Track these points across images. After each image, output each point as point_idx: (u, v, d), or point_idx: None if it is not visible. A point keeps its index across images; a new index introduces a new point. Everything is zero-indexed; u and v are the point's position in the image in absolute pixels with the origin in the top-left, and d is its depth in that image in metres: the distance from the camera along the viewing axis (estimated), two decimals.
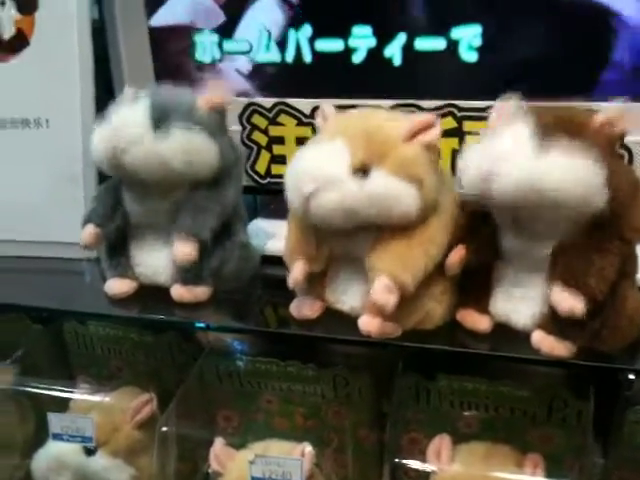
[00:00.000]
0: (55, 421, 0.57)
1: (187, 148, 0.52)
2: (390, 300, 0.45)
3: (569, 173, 0.40)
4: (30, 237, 0.68)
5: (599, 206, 0.41)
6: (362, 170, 0.45)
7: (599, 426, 0.52)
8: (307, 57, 0.64)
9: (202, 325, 0.56)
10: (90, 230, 0.56)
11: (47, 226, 0.67)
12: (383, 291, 0.45)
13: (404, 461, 0.52)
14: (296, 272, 0.49)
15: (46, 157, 0.67)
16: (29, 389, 0.62)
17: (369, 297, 0.46)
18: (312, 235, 0.50)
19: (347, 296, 0.51)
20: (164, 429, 0.56)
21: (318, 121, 0.52)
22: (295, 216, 0.52)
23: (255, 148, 0.68)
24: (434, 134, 0.47)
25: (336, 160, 0.45)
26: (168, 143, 0.52)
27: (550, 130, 0.42)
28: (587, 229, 0.43)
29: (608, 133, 0.43)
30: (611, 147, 0.44)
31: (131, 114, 0.53)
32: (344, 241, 0.49)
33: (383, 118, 0.49)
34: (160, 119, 0.52)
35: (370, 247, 0.48)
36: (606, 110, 0.44)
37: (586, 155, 0.41)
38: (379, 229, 0.47)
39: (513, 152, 0.42)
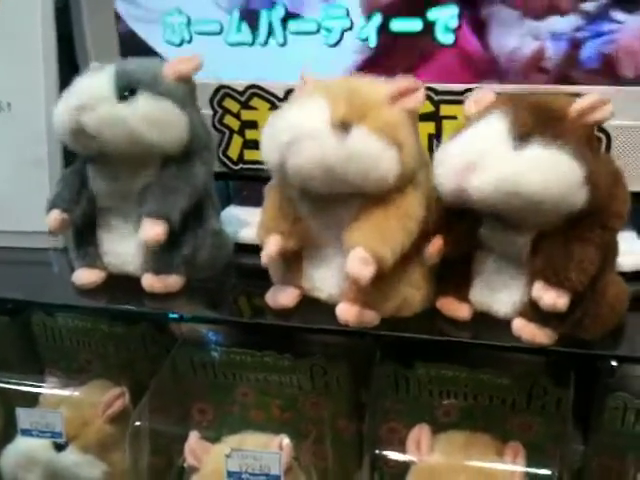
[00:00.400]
0: (24, 416, 0.55)
1: (153, 114, 0.51)
2: (365, 272, 0.43)
3: (549, 171, 0.40)
4: None
5: (579, 202, 0.41)
6: (343, 126, 0.44)
7: (579, 413, 0.52)
8: (279, 38, 0.62)
9: (175, 316, 0.54)
10: (55, 215, 0.54)
11: (12, 214, 0.65)
12: (358, 262, 0.43)
13: (384, 452, 0.51)
14: (271, 247, 0.48)
15: (9, 141, 0.65)
16: None
17: (346, 278, 0.45)
18: (289, 209, 0.49)
19: (325, 283, 0.50)
20: (137, 423, 0.55)
21: (297, 86, 0.51)
22: (271, 189, 0.50)
23: (227, 133, 0.66)
24: (418, 99, 0.46)
25: (316, 114, 0.44)
26: (133, 109, 0.50)
27: (527, 124, 0.41)
28: (567, 219, 0.42)
29: (586, 122, 0.42)
30: (589, 137, 0.43)
31: (95, 81, 0.52)
32: (321, 215, 0.48)
33: (366, 80, 0.48)
34: (125, 87, 0.51)
35: (347, 223, 0.46)
36: (583, 98, 0.43)
37: (565, 151, 0.40)
38: (357, 201, 0.46)
39: (490, 149, 0.41)
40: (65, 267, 0.60)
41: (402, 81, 0.46)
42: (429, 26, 0.58)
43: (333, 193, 0.46)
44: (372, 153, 0.44)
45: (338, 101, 0.44)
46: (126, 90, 0.50)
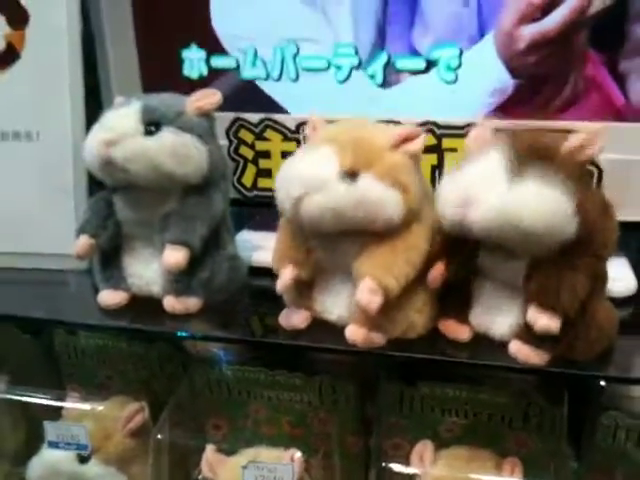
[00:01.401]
0: (51, 429, 0.58)
1: (176, 148, 0.54)
2: (374, 301, 0.47)
3: (541, 206, 0.43)
4: (21, 249, 0.68)
5: (570, 233, 0.44)
6: (350, 174, 0.47)
7: (573, 431, 0.55)
8: (292, 74, 0.66)
9: (191, 335, 0.58)
10: (84, 241, 0.57)
11: (38, 238, 0.68)
12: (367, 292, 0.47)
13: (389, 465, 0.54)
14: (285, 277, 0.51)
15: (37, 169, 0.68)
16: (21, 398, 0.63)
17: (355, 304, 0.48)
18: (301, 241, 0.52)
19: (334, 306, 0.53)
20: (159, 437, 0.58)
21: (307, 131, 0.55)
22: (285, 222, 0.54)
23: (242, 162, 0.69)
24: (419, 144, 0.50)
25: (325, 164, 0.48)
26: (157, 143, 0.53)
27: (522, 160, 0.45)
28: (559, 248, 0.45)
29: (578, 158, 0.46)
30: (580, 172, 0.46)
31: (122, 116, 0.55)
32: (331, 248, 0.51)
33: (370, 128, 0.52)
34: (150, 122, 0.54)
35: (356, 255, 0.50)
36: (576, 134, 0.46)
37: (557, 186, 0.43)
38: (365, 237, 0.49)
39: (487, 183, 0.45)
40: (88, 288, 0.63)
41: (404, 128, 0.50)
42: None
43: (342, 230, 0.49)
44: (379, 198, 0.47)
45: (345, 150, 0.48)
46: (151, 125, 0.54)
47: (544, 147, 0.46)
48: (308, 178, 0.47)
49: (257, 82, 0.67)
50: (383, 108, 0.64)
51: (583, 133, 0.46)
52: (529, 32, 0.58)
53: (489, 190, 0.44)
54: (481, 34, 0.61)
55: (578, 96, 0.60)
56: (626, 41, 0.57)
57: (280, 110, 0.67)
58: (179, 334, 0.57)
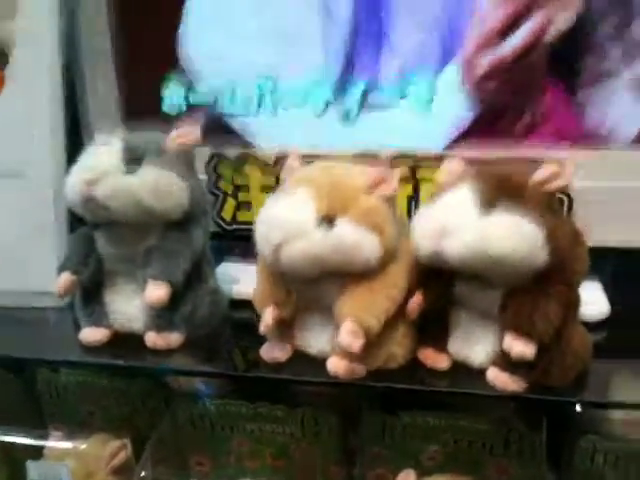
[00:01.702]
0: (33, 469, 0.58)
1: (157, 185, 0.55)
2: (356, 343, 0.48)
3: (512, 237, 0.44)
4: (1, 287, 0.68)
5: (541, 262, 0.45)
6: (327, 220, 0.48)
7: (553, 455, 0.56)
8: (269, 109, 0.67)
9: (172, 370, 0.58)
10: (66, 278, 0.57)
11: (19, 275, 0.68)
12: (349, 334, 0.48)
13: None
14: (267, 318, 0.52)
15: (18, 207, 0.68)
16: (3, 437, 0.62)
17: (336, 340, 0.49)
18: (281, 282, 0.53)
19: (316, 341, 0.54)
20: (143, 474, 0.57)
21: (284, 174, 0.56)
22: (265, 264, 0.54)
23: (221, 195, 0.70)
24: (391, 187, 0.51)
25: (302, 211, 0.49)
26: (138, 180, 0.54)
27: (493, 193, 0.46)
28: (532, 277, 0.47)
29: (546, 190, 0.47)
30: (550, 202, 0.48)
31: (103, 153, 0.56)
32: (311, 289, 0.52)
33: (344, 171, 0.53)
34: (131, 160, 0.55)
35: (336, 295, 0.51)
36: (544, 167, 0.48)
37: (526, 216, 0.45)
38: (344, 277, 0.50)
39: (460, 217, 0.46)
40: (69, 325, 0.63)
41: (376, 171, 0.51)
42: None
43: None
44: (356, 242, 0.48)
45: (321, 196, 0.49)
46: (132, 163, 0.55)
47: (513, 180, 0.48)
48: (286, 226, 0.48)
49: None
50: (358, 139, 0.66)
51: (551, 165, 0.48)
52: (489, 58, 0.60)
53: (462, 223, 0.46)
54: (446, 62, 0.63)
55: (538, 123, 0.62)
56: (583, 70, 0.59)
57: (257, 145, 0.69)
58: (161, 369, 0.57)
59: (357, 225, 0.48)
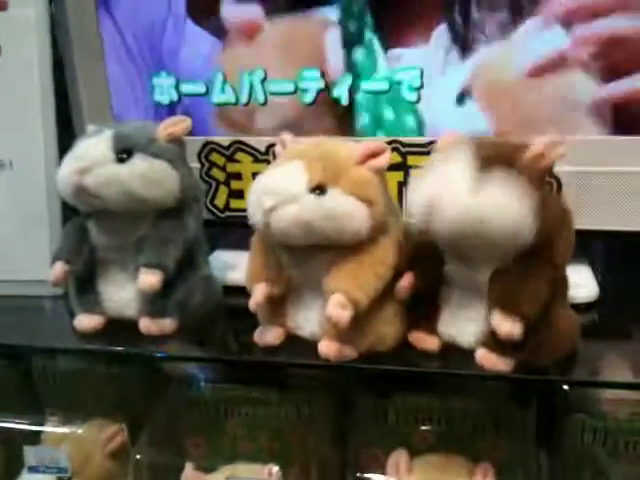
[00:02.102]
0: (31, 454, 0.59)
1: (148, 174, 0.56)
2: (344, 316, 0.48)
3: (502, 209, 0.45)
4: None
5: (530, 238, 0.46)
6: (319, 188, 0.49)
7: (543, 434, 0.57)
8: (260, 98, 0.68)
9: (167, 356, 0.59)
10: (59, 267, 0.58)
11: (14, 264, 0.69)
12: (337, 307, 0.49)
13: (366, 475, 0.55)
14: (257, 294, 0.53)
15: (11, 197, 0.69)
16: None
17: (325, 314, 0.49)
18: (273, 259, 0.54)
19: (307, 322, 0.55)
20: (138, 457, 0.58)
21: (278, 148, 0.56)
22: (257, 240, 0.55)
23: (214, 184, 0.71)
24: (384, 160, 0.52)
25: (295, 179, 0.50)
26: (130, 170, 0.55)
27: (486, 165, 0.46)
28: (520, 256, 0.47)
29: (539, 165, 0.47)
30: (541, 179, 0.48)
31: (94, 143, 0.56)
32: (302, 265, 0.53)
33: (337, 144, 0.54)
34: (122, 149, 0.55)
35: (325, 271, 0.51)
36: (537, 144, 0.48)
37: (518, 190, 0.45)
38: (333, 251, 0.51)
39: (451, 189, 0.46)
40: (64, 313, 0.64)
41: (369, 144, 0.52)
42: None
43: (312, 245, 0.51)
44: (346, 210, 0.49)
45: (314, 166, 0.50)
46: (123, 152, 0.55)
47: (506, 154, 0.48)
48: (279, 191, 0.49)
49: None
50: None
51: (542, 143, 0.48)
52: None
53: (453, 195, 0.46)
54: None
55: None
56: None
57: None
58: (156, 355, 0.58)
59: (348, 195, 0.49)
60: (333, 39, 0.64)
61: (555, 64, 0.59)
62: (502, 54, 0.61)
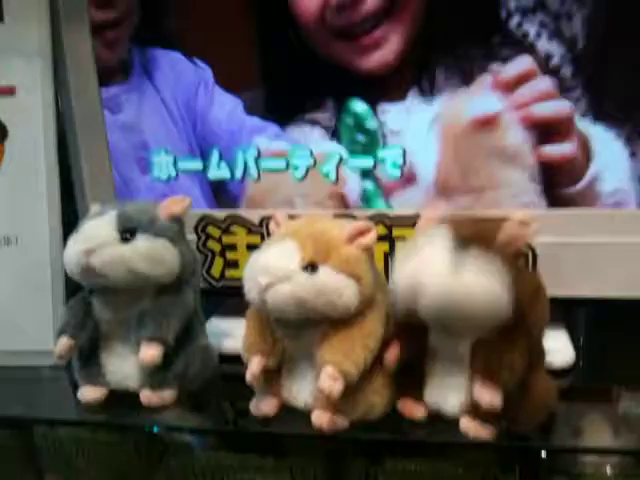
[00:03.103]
0: None
1: (151, 253, 0.59)
2: (335, 387, 0.51)
3: (481, 291, 0.49)
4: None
5: (507, 313, 0.49)
6: (310, 266, 0.53)
7: None
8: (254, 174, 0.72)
9: (167, 427, 0.61)
10: (64, 342, 0.60)
11: (16, 335, 0.71)
12: (329, 379, 0.52)
13: None
14: (254, 367, 0.56)
15: (16, 271, 0.72)
16: None
17: (317, 386, 0.52)
18: (268, 332, 0.57)
19: (300, 392, 0.57)
20: None
21: (272, 226, 0.60)
22: (252, 314, 0.59)
23: (210, 255, 0.75)
24: (371, 238, 0.56)
25: (288, 257, 0.53)
26: (133, 249, 0.58)
27: (464, 246, 0.50)
28: (499, 328, 0.51)
29: (512, 246, 0.52)
30: (515, 258, 0.52)
31: (99, 224, 0.60)
32: (295, 338, 0.56)
33: (327, 223, 0.58)
34: (126, 230, 0.59)
35: (318, 343, 0.55)
36: (510, 224, 0.52)
37: (494, 271, 0.49)
38: (325, 325, 0.54)
39: (432, 270, 0.50)
40: (65, 383, 0.67)
41: (357, 224, 0.56)
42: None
43: (305, 319, 0.54)
44: (336, 287, 0.53)
45: (306, 245, 0.53)
46: (127, 233, 0.59)
47: (481, 236, 0.52)
48: (274, 269, 0.53)
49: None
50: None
51: (515, 225, 0.52)
52: None
53: (434, 277, 0.50)
54: None
55: None
56: None
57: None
58: (154, 427, 0.61)
59: (338, 272, 0.53)
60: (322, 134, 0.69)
61: (491, 122, 0.63)
62: (454, 106, 0.64)
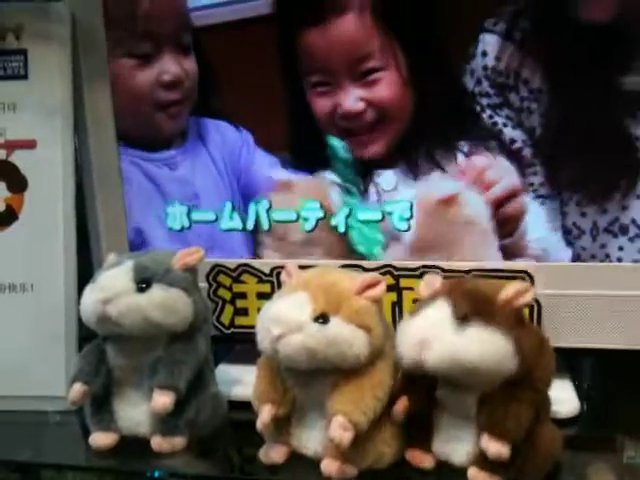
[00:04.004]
0: None
1: (165, 303, 0.61)
2: (345, 436, 0.52)
3: (485, 350, 0.50)
4: (12, 392, 0.73)
5: (510, 371, 0.51)
6: (322, 317, 0.54)
7: None
8: (265, 225, 0.75)
9: (176, 474, 0.62)
10: (78, 388, 0.62)
11: (29, 381, 0.73)
12: (339, 429, 0.53)
13: None
14: (264, 415, 0.57)
15: (30, 318, 0.73)
16: None
17: (327, 435, 0.53)
18: (279, 380, 0.58)
19: (310, 441, 0.58)
20: None
21: (283, 277, 0.62)
22: (263, 363, 0.60)
23: (220, 302, 0.76)
24: (380, 290, 0.57)
25: (300, 308, 0.55)
26: (148, 299, 0.60)
27: (465, 310, 0.52)
28: (504, 383, 0.52)
29: (514, 305, 0.54)
30: (517, 315, 0.54)
31: (116, 274, 0.62)
32: (306, 387, 0.57)
33: (338, 274, 0.60)
34: (142, 280, 0.61)
35: (328, 393, 0.56)
36: (509, 286, 0.54)
37: (496, 331, 0.51)
38: (335, 375, 0.56)
39: (437, 331, 0.52)
40: (76, 428, 0.68)
41: (367, 276, 0.58)
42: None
43: (315, 369, 0.55)
44: (347, 338, 0.54)
45: (317, 296, 0.55)
46: (143, 283, 0.60)
47: (483, 297, 0.54)
48: (286, 320, 0.54)
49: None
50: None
51: (516, 283, 0.55)
52: None
53: (439, 336, 0.52)
54: None
55: None
56: None
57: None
58: (155, 472, 0.61)
59: (349, 323, 0.54)
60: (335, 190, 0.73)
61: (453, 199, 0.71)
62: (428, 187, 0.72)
